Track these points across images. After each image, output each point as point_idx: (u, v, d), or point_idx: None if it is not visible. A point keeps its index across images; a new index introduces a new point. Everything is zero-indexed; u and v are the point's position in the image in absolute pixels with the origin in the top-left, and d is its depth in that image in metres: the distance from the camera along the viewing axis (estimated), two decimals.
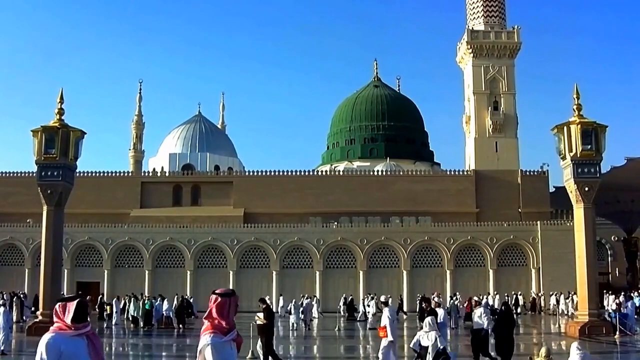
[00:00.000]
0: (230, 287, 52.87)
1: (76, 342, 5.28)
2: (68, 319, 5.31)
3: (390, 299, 45.10)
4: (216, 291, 5.73)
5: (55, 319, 5.41)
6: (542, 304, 51.75)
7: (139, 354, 26.34)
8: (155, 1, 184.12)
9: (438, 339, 16.25)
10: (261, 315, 17.51)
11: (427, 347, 16.35)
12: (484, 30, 68.38)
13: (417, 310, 46.12)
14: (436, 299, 19.86)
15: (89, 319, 5.53)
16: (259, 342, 17.50)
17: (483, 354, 17.52)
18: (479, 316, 17.95)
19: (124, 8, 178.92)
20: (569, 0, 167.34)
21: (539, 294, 52.55)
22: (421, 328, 17.85)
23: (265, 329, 17.14)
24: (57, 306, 5.41)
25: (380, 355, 15.90)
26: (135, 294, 39.97)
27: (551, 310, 50.08)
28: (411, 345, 17.29)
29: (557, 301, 49.38)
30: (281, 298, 43.59)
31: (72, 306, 5.35)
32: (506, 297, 46.38)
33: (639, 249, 63.18)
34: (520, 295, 50.53)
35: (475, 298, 21.35)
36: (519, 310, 47.10)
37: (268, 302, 19.97)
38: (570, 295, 46.98)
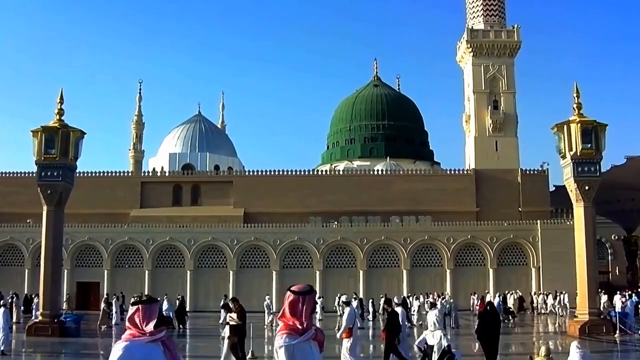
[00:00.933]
0: (231, 287, 53.07)
1: (152, 349, 4.79)
2: (149, 325, 4.76)
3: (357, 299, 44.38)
4: (291, 288, 5.27)
5: (128, 324, 4.82)
6: (535, 303, 51.51)
7: None
8: (155, 1, 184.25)
9: (443, 338, 16.27)
10: (234, 315, 17.15)
11: (433, 345, 16.37)
12: (484, 29, 68.30)
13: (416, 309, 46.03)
14: (396, 300, 19.69)
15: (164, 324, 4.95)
16: (226, 343, 17.15)
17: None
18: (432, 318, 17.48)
19: (124, 8, 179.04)
20: None
21: (532, 293, 52.32)
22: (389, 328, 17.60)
23: (238, 330, 16.88)
24: (133, 311, 4.81)
25: (347, 355, 15.74)
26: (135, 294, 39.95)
27: (539, 309, 49.97)
28: (417, 344, 17.28)
29: (545, 301, 49.39)
30: (267, 297, 43.99)
31: (155, 310, 4.80)
32: (498, 297, 46.00)
33: (639, 248, 63.22)
34: (511, 294, 49.92)
35: (430, 299, 21.03)
36: (507, 307, 46.52)
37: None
38: (558, 294, 46.98)
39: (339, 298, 47.49)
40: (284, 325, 5.22)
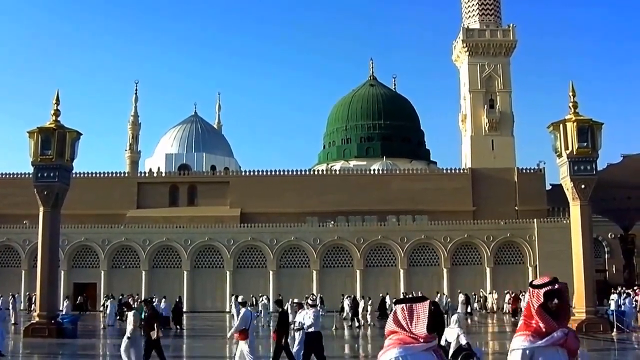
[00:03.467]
0: (228, 287, 53.00)
1: (428, 359, 3.99)
2: (420, 327, 3.95)
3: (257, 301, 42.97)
4: (533, 282, 4.58)
5: (393, 327, 4.01)
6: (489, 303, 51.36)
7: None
8: (152, 1, 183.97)
9: (461, 336, 16.35)
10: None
11: (451, 342, 16.44)
12: (480, 28, 68.41)
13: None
14: (309, 301, 19.47)
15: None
16: (124, 344, 17.22)
17: (318, 357, 16.51)
18: (309, 317, 16.75)
19: (121, 8, 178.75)
20: None
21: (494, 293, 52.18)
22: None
23: (149, 329, 17.17)
24: (398, 311, 4.03)
25: (249, 356, 15.62)
26: (132, 295, 39.90)
27: (489, 308, 50.12)
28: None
29: (495, 299, 49.89)
30: (264, 298, 43.86)
31: (422, 310, 3.99)
32: (438, 296, 45.26)
33: (635, 246, 63.26)
34: (476, 294, 50.38)
35: (309, 301, 20.51)
36: (468, 308, 46.51)
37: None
38: (508, 293, 47.27)
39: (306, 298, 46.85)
40: (523, 325, 4.54)
